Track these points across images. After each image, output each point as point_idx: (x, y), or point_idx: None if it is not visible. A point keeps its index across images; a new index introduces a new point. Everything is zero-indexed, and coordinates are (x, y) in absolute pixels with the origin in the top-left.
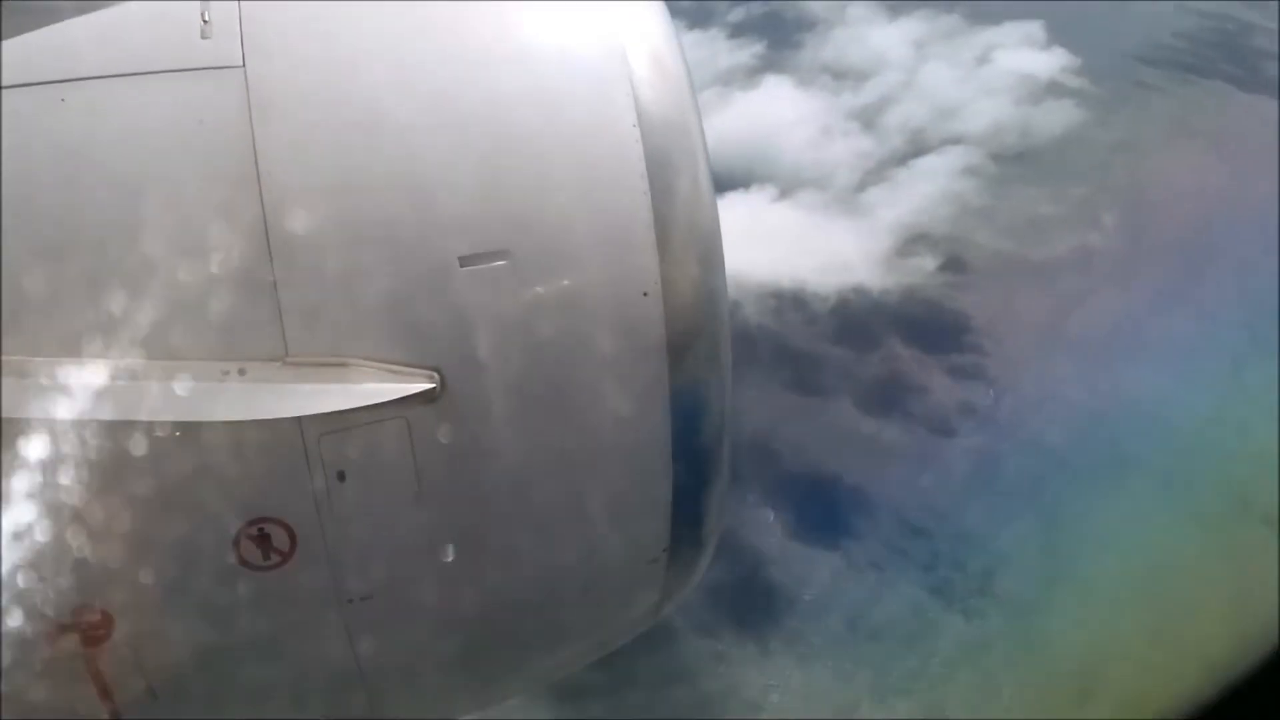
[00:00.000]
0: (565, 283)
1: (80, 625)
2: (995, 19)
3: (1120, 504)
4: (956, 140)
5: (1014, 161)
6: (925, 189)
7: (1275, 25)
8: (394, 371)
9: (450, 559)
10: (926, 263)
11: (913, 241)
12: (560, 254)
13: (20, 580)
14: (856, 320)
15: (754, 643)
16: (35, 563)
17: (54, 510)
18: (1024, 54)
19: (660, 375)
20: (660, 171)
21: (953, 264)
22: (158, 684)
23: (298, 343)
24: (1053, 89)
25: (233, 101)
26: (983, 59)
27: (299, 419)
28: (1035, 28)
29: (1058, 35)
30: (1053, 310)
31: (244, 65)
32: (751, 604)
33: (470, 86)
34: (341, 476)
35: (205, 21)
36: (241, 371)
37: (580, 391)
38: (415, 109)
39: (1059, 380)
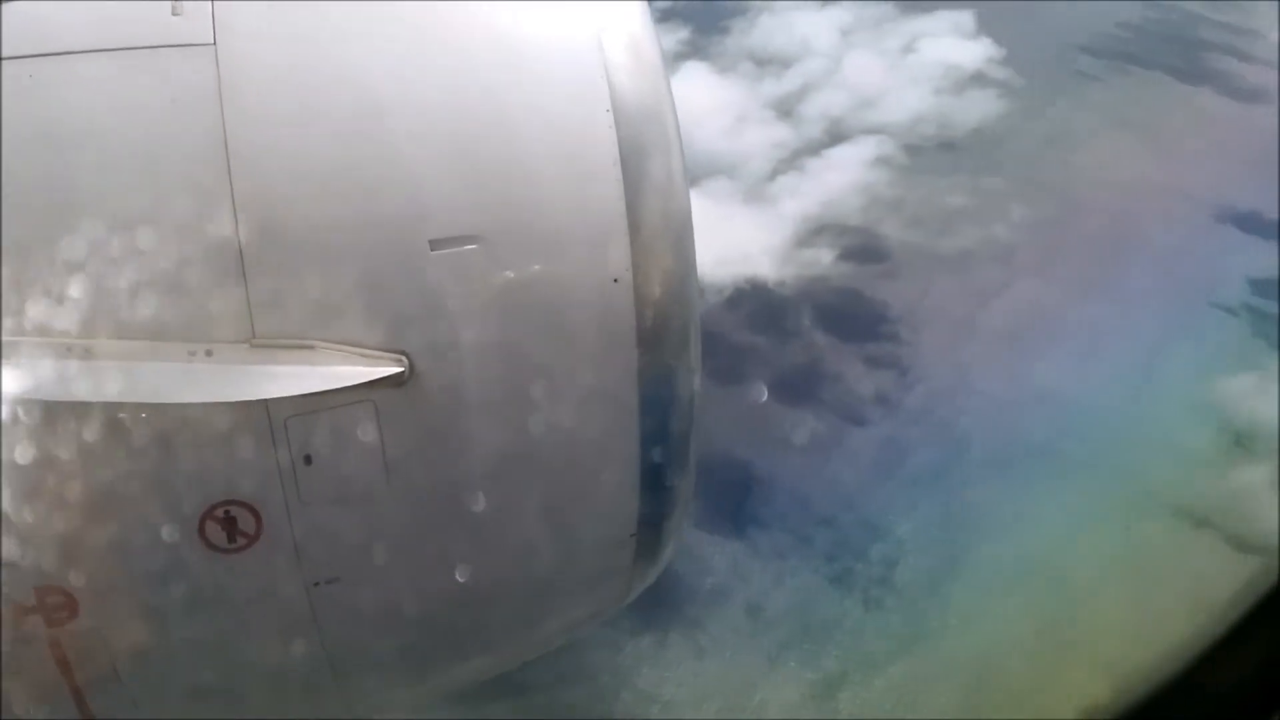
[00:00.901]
0: (536, 268)
1: (43, 606)
2: (928, 7)
3: (1029, 494)
4: (874, 130)
5: (928, 153)
6: (836, 179)
7: (1222, 19)
8: (362, 355)
9: (425, 562)
10: (825, 254)
11: (816, 232)
12: (532, 239)
13: None
14: (756, 309)
15: (651, 634)
16: None
17: (17, 489)
18: (951, 43)
19: (630, 361)
20: (634, 159)
21: (855, 255)
22: (122, 667)
23: (265, 324)
24: (977, 79)
25: (203, 80)
26: (908, 48)
27: (266, 401)
28: (966, 17)
29: (990, 25)
30: (960, 301)
31: (215, 43)
32: (651, 593)
33: (444, 71)
34: (308, 460)
35: None
36: (208, 353)
37: (550, 377)
38: (388, 92)
39: (969, 371)
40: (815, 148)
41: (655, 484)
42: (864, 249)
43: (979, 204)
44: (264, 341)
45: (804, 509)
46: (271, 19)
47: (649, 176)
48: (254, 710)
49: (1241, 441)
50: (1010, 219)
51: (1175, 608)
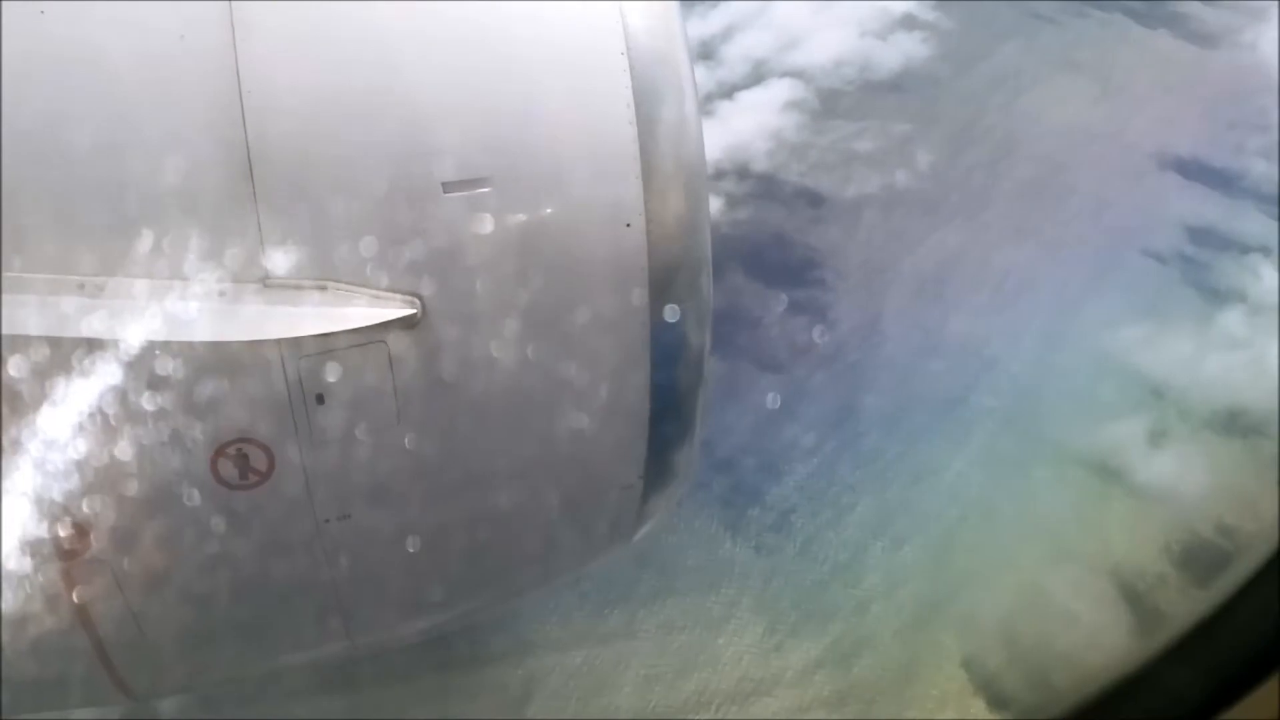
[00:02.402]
0: (548, 211)
1: (56, 539)
2: None
3: (931, 444)
4: (793, 73)
5: (846, 96)
6: (743, 123)
7: None
8: (374, 296)
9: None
10: (719, 201)
11: (717, 178)
12: (544, 182)
13: None
14: None
15: None
16: (13, 478)
17: (27, 424)
18: None
19: (641, 305)
20: (647, 102)
21: (757, 200)
22: (132, 599)
23: (278, 265)
24: (905, 22)
25: (215, 19)
26: None
27: (278, 341)
28: None
29: None
30: (881, 249)
31: None
32: None
33: (459, 15)
34: (320, 399)
35: None
36: (221, 293)
37: (561, 320)
38: (402, 36)
39: (883, 318)
40: (728, 90)
41: (665, 426)
42: (766, 195)
43: (889, 149)
44: (277, 282)
45: (704, 453)
46: None
47: (662, 121)
48: (263, 643)
49: (1157, 391)
50: (918, 165)
51: (1073, 562)
